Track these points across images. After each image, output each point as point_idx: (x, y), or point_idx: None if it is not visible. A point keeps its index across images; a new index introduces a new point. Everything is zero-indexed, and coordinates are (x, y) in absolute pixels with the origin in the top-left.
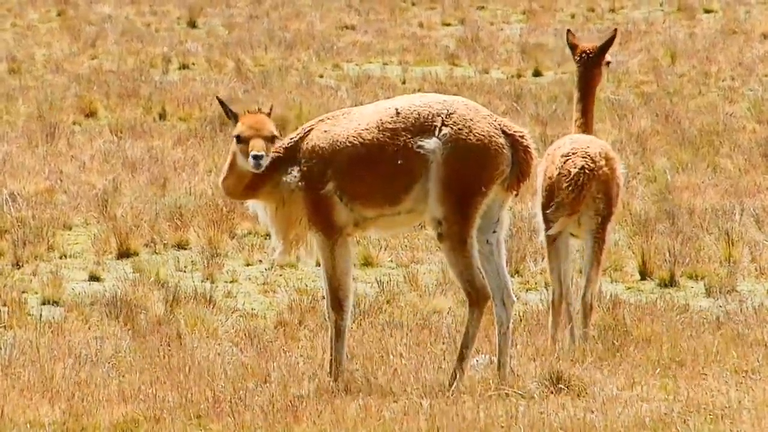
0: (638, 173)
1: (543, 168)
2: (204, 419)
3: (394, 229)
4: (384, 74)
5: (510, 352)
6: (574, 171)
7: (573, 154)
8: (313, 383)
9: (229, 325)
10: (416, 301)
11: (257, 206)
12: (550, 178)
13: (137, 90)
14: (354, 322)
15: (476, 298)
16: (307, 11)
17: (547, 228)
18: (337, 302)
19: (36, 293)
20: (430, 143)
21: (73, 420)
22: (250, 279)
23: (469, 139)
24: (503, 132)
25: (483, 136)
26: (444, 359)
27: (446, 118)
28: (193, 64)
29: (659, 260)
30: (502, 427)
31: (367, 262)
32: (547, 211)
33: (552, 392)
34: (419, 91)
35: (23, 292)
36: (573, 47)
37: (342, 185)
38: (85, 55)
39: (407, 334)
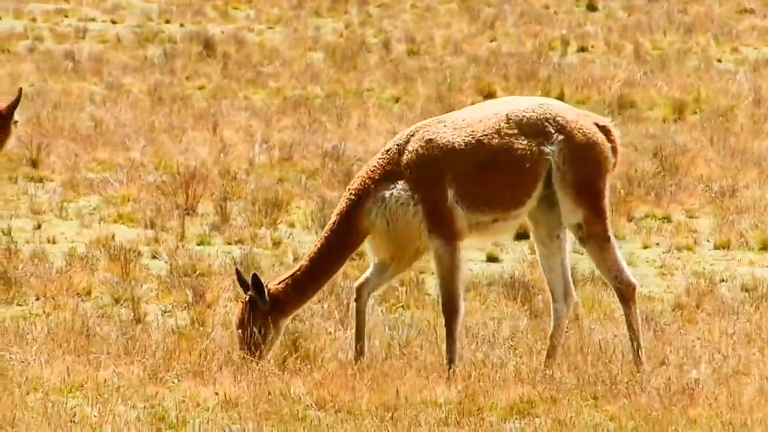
0: None
1: None
2: (600, 401)
3: (498, 235)
4: None
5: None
6: None
7: None
8: (710, 366)
9: None
10: None
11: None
12: None
13: (535, 72)
14: (753, 305)
15: (625, 291)
16: None
17: None
18: (453, 306)
19: (433, 273)
20: (549, 147)
21: (468, 400)
22: (647, 261)
23: (581, 139)
24: (596, 125)
25: (590, 133)
26: None
27: (553, 121)
28: (592, 46)
29: None
30: None
31: (764, 247)
32: None
33: None
34: None
35: (421, 272)
36: None
37: (461, 191)
38: (484, 37)
39: None
